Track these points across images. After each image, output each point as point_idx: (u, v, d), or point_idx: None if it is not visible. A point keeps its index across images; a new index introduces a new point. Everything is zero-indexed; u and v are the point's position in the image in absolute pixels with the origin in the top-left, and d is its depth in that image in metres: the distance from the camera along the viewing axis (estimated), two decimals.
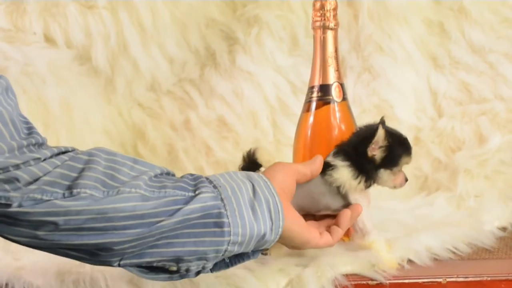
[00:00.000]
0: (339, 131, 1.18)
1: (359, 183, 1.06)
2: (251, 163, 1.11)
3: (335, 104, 1.18)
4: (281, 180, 0.95)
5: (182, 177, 0.89)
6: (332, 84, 1.18)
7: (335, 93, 1.18)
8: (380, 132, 1.05)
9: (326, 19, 1.17)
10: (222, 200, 0.86)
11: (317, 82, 1.18)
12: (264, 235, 0.89)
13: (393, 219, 1.34)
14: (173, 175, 0.90)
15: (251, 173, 0.94)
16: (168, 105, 1.76)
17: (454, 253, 1.16)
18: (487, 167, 1.56)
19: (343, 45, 1.74)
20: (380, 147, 1.06)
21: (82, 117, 1.62)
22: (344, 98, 1.19)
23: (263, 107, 1.74)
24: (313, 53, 1.19)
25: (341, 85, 1.19)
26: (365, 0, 1.76)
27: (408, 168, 1.65)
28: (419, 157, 1.68)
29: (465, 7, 1.73)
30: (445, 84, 1.73)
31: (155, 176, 0.86)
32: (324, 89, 1.18)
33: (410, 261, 1.12)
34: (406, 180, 1.11)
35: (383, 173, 1.08)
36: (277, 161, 1.01)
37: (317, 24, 1.18)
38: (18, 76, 1.57)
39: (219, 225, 0.86)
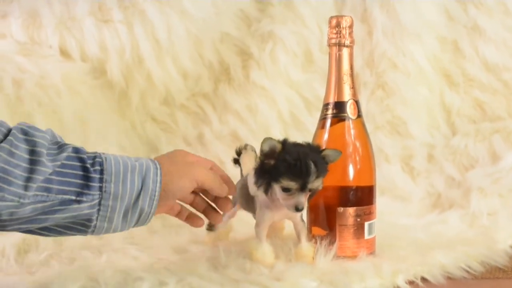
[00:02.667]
0: (354, 148, 1.18)
1: (259, 188, 1.09)
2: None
3: (350, 121, 1.18)
4: (175, 182, 0.99)
5: (83, 162, 0.92)
6: (347, 102, 1.18)
7: (350, 110, 1.18)
8: (268, 143, 1.05)
9: (342, 36, 1.18)
10: (99, 204, 0.92)
11: (332, 99, 1.18)
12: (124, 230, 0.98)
13: (407, 236, 1.34)
14: (80, 158, 0.92)
15: (150, 170, 0.96)
16: (182, 119, 1.77)
17: (467, 272, 1.16)
18: (500, 185, 1.56)
19: (357, 62, 1.74)
20: (274, 158, 1.06)
21: (96, 130, 1.63)
22: (359, 115, 1.19)
23: (276, 122, 1.74)
24: (328, 70, 1.19)
25: (356, 102, 1.19)
26: (379, 17, 1.76)
27: (421, 185, 1.67)
28: (432, 174, 1.68)
29: (479, 24, 1.74)
30: (458, 102, 1.74)
31: (50, 173, 0.89)
32: (339, 106, 1.18)
33: (424, 279, 1.11)
34: (297, 209, 1.07)
35: (275, 186, 1.08)
36: (203, 158, 1.07)
37: (333, 41, 1.18)
38: (34, 89, 1.57)
39: (86, 225, 0.93)
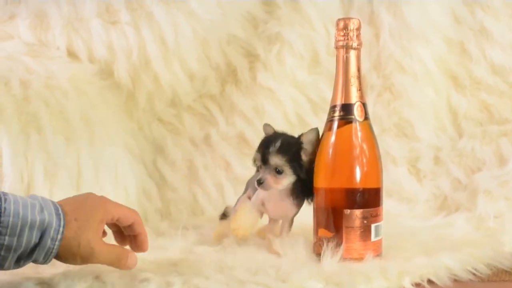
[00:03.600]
0: (361, 150, 1.18)
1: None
2: None
3: (357, 123, 1.18)
4: (72, 249, 0.99)
5: None
6: (354, 104, 1.17)
7: (357, 112, 1.18)
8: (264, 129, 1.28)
9: (349, 38, 1.18)
10: None
11: (339, 101, 1.18)
12: None
13: (413, 238, 1.34)
14: None
15: (52, 227, 0.96)
16: (188, 121, 1.77)
17: (474, 274, 1.15)
18: (507, 188, 1.55)
19: (364, 64, 1.74)
20: None
21: (103, 131, 1.62)
22: (366, 118, 1.19)
23: (283, 124, 1.74)
24: (336, 72, 1.19)
25: (363, 105, 1.19)
26: (386, 19, 1.76)
27: (427, 187, 1.67)
28: (438, 176, 1.68)
29: (486, 27, 1.74)
30: (465, 104, 1.73)
31: None
32: (346, 108, 1.17)
33: (430, 282, 1.11)
34: (258, 181, 1.20)
35: None
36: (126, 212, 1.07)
37: (340, 43, 1.18)
38: (41, 90, 1.57)
39: None
